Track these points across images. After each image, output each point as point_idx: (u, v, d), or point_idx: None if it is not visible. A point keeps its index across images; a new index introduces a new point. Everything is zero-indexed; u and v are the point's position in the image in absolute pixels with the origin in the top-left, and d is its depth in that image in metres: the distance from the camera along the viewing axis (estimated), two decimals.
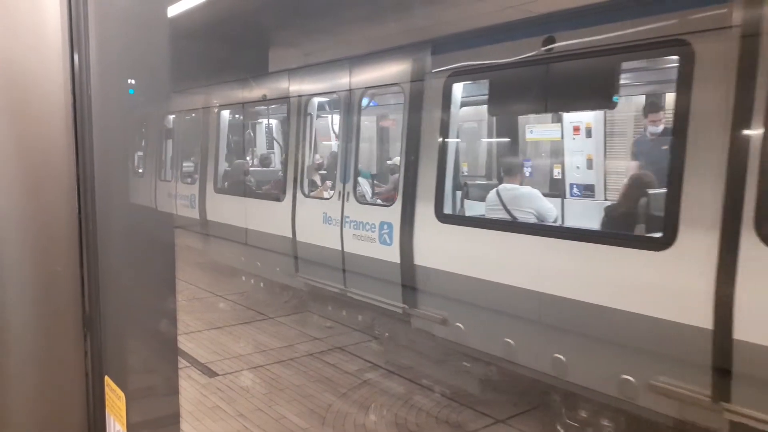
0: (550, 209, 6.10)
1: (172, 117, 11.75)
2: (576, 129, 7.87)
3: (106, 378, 1.53)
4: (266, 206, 9.23)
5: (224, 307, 9.27)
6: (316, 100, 8.60)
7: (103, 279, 1.56)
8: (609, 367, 4.76)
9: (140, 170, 9.11)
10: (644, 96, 7.53)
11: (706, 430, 4.21)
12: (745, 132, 3.99)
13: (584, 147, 7.85)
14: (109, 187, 1.58)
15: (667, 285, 4.32)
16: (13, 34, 1.50)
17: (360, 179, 7.92)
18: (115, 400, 1.50)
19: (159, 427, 1.55)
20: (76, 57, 1.57)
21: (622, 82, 5.64)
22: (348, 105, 7.83)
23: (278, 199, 8.76)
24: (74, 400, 1.55)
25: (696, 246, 4.15)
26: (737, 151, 3.97)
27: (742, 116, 3.99)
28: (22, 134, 1.51)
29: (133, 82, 1.61)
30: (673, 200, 4.27)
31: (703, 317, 4.09)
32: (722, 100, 4.07)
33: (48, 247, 1.54)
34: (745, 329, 3.98)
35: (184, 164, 11.81)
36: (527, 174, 8.41)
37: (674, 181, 4.28)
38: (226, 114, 10.69)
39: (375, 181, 8.56)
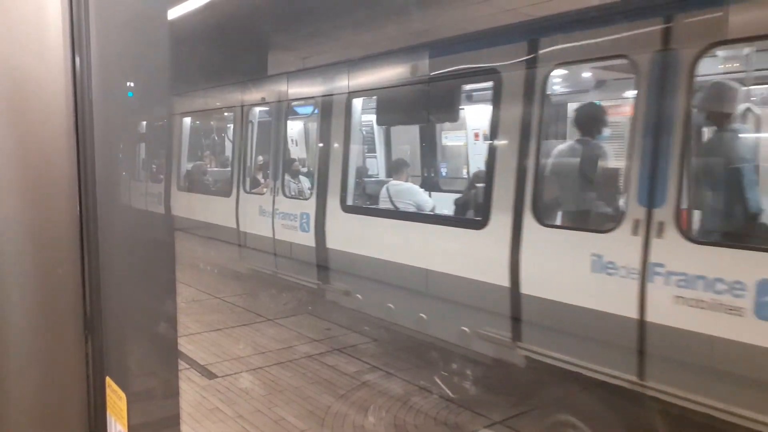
0: (426, 201, 7.69)
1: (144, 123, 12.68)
2: (476, 135, 10.10)
3: (108, 379, 1.56)
4: (218, 201, 10.79)
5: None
6: (257, 109, 10.38)
7: (104, 281, 1.57)
8: (453, 321, 6.26)
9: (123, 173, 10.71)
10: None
11: (513, 365, 5.58)
12: (527, 143, 5.49)
13: (476, 150, 9.94)
14: (110, 189, 1.59)
15: (484, 256, 5.87)
16: (14, 36, 1.49)
17: (287, 177, 9.42)
18: (116, 400, 1.53)
19: (159, 428, 1.58)
20: (77, 59, 1.57)
21: (463, 99, 7.96)
22: (278, 114, 9.56)
23: (227, 195, 10.37)
24: (75, 401, 1.56)
25: (501, 226, 5.64)
26: (522, 158, 5.52)
27: (526, 131, 5.50)
28: (23, 137, 1.51)
29: (132, 84, 1.63)
30: (488, 193, 5.87)
31: (503, 278, 5.59)
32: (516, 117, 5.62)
33: (49, 249, 1.54)
34: (527, 285, 5.43)
35: (153, 166, 12.96)
36: (443, 173, 10.91)
37: (489, 178, 5.92)
38: (188, 120, 12.57)
39: (302, 178, 10.13)
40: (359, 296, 7.51)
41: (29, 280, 1.52)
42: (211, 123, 14.82)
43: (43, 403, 1.54)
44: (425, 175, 10.25)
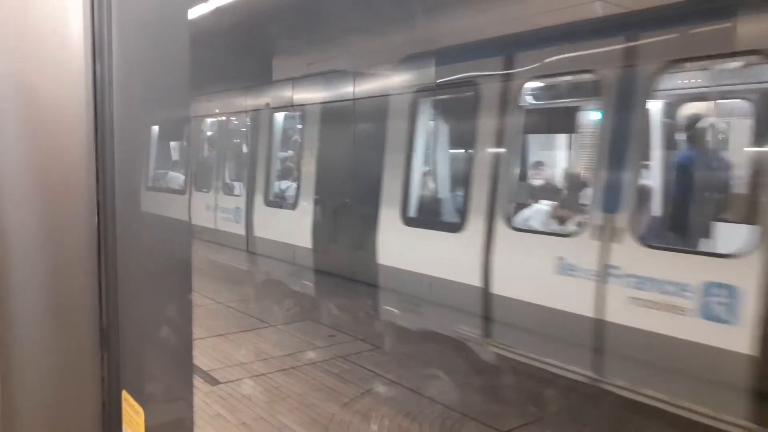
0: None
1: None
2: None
3: (124, 393, 1.54)
4: (175, 199, 11.54)
5: None
6: (208, 120, 12.39)
7: (121, 293, 1.56)
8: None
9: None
10: None
11: (485, 362, 5.91)
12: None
13: None
14: (129, 199, 1.58)
15: (459, 257, 6.23)
16: (36, 44, 1.48)
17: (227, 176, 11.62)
18: (132, 415, 1.52)
19: None
20: (97, 66, 1.55)
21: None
22: (220, 124, 12.26)
23: (182, 193, 10.83)
24: (90, 414, 1.54)
25: (476, 230, 6.02)
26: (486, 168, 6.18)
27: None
28: (43, 146, 1.49)
29: (152, 90, 1.61)
30: (466, 200, 6.34)
31: (477, 279, 5.97)
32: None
33: (67, 261, 1.52)
34: (498, 286, 5.82)
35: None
36: None
37: (467, 187, 6.39)
38: (155, 128, 13.15)
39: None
40: (278, 277, 10.14)
41: (46, 292, 1.50)
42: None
43: (57, 415, 1.52)
44: None
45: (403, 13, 7.62)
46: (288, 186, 9.98)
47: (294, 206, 9.17)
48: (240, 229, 10.48)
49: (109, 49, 1.55)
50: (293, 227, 8.98)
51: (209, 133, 12.72)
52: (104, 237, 1.55)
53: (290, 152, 10.89)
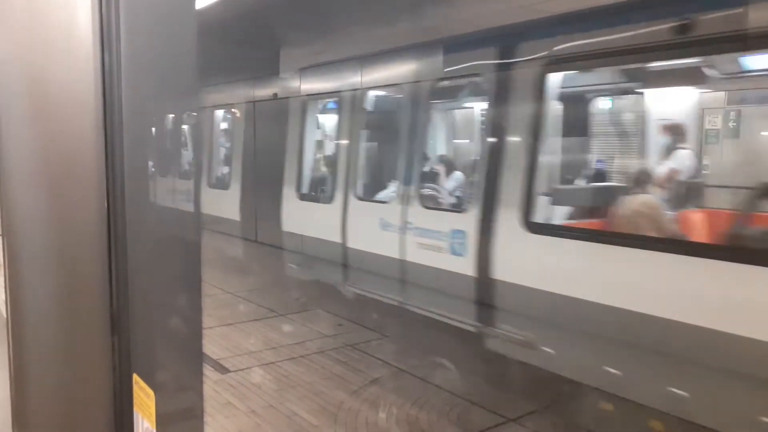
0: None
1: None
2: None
3: (135, 376, 1.56)
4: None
5: None
6: (185, 115, 13.66)
7: (131, 278, 1.58)
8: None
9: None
10: None
11: (345, 298, 8.16)
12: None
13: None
14: (138, 187, 1.60)
15: (331, 221, 8.15)
16: (45, 35, 1.50)
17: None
18: (143, 398, 1.54)
19: (185, 424, 1.59)
20: (106, 57, 1.57)
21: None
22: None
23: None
24: (101, 397, 1.56)
25: (339, 201, 8.16)
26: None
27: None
28: (52, 135, 1.51)
29: (161, 79, 1.63)
30: (334, 180, 8.52)
31: (339, 237, 8.10)
32: None
33: (77, 247, 1.54)
34: (350, 241, 7.98)
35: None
36: None
37: (335, 171, 8.62)
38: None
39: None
40: (216, 246, 11.32)
41: (57, 277, 1.52)
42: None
43: (69, 400, 1.54)
44: None
45: None
46: (225, 172, 12.08)
47: (227, 186, 11.38)
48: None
49: (117, 37, 1.57)
50: (227, 203, 10.98)
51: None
52: (114, 223, 1.57)
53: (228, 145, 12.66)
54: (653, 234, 5.29)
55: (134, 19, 1.59)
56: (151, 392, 1.52)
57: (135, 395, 1.56)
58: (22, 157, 1.52)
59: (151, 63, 1.62)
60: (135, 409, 1.56)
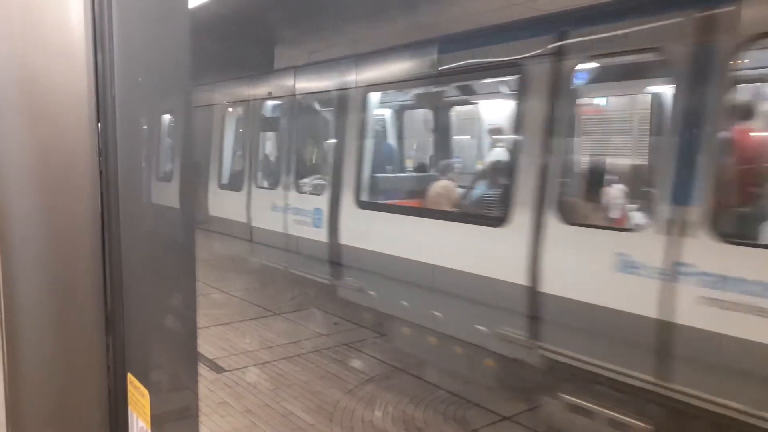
0: None
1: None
2: None
3: (129, 375, 1.56)
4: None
5: None
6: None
7: (126, 277, 1.58)
8: None
9: None
10: None
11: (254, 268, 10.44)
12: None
13: None
14: (132, 186, 1.59)
15: (241, 205, 10.33)
16: (38, 34, 1.50)
17: None
18: (138, 397, 1.54)
19: (180, 424, 1.60)
20: (99, 56, 1.57)
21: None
22: None
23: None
24: (96, 397, 1.56)
25: (247, 189, 10.31)
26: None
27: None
28: (46, 134, 1.51)
29: (153, 79, 1.63)
30: (243, 172, 10.71)
31: (245, 218, 10.38)
32: None
33: (71, 246, 1.54)
34: (254, 222, 10.40)
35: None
36: None
37: (244, 164, 10.89)
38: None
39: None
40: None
41: (51, 276, 1.52)
42: None
43: (63, 399, 1.54)
44: None
45: None
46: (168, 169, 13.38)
47: (169, 180, 12.53)
48: None
49: (110, 36, 1.56)
50: (170, 194, 12.77)
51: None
52: (108, 223, 1.57)
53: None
54: (446, 208, 7.47)
55: (127, 17, 1.58)
56: (145, 391, 1.52)
57: (130, 395, 1.56)
58: (15, 157, 1.51)
59: (144, 62, 1.61)
60: (130, 408, 1.56)
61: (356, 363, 7.42)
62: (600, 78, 6.77)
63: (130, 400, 1.56)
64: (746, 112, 5.43)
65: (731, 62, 4.43)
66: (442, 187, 7.74)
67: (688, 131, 4.61)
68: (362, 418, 5.92)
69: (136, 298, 1.58)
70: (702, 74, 4.52)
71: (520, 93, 5.95)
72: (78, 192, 1.54)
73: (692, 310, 4.42)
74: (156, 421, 1.51)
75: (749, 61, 4.98)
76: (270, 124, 10.69)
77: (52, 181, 1.51)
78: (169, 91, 1.63)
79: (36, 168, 1.50)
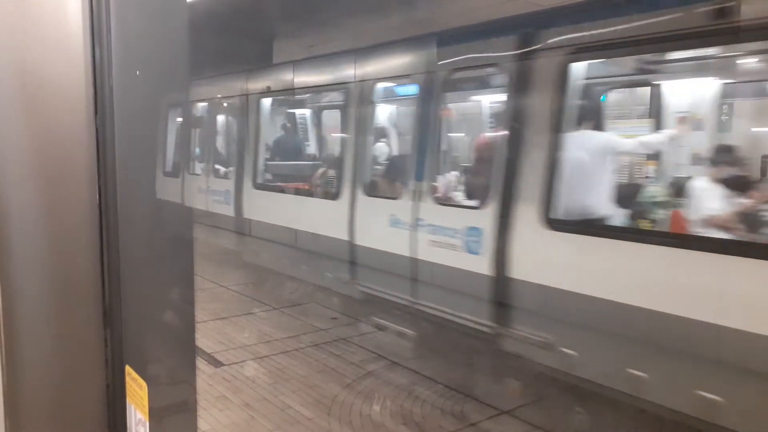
0: None
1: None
2: None
3: (127, 367, 1.57)
4: None
5: None
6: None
7: (123, 271, 1.58)
8: None
9: None
10: None
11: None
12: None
13: None
14: (129, 180, 1.60)
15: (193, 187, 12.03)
16: (35, 28, 1.50)
17: None
18: (136, 389, 1.55)
19: (178, 416, 1.61)
20: (96, 50, 1.57)
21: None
22: None
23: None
24: (94, 389, 1.57)
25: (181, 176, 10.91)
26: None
27: None
28: (43, 128, 1.51)
29: (150, 72, 1.63)
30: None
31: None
32: None
33: (69, 239, 1.54)
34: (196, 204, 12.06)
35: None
36: None
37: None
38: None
39: None
40: None
41: (49, 270, 1.52)
42: None
43: (61, 391, 1.55)
44: None
45: None
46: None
47: (177, 175, 14.72)
48: None
49: (108, 29, 1.56)
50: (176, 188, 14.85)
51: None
52: (106, 216, 1.57)
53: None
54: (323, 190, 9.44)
55: (125, 10, 1.58)
56: (143, 383, 1.53)
57: (128, 387, 1.57)
58: (12, 150, 1.51)
59: (142, 55, 1.62)
60: (128, 400, 1.57)
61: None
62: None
63: (128, 392, 1.57)
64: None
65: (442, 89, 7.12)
66: (320, 172, 10.22)
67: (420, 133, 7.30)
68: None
69: (134, 291, 1.59)
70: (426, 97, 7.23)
71: (346, 105, 8.83)
72: (76, 185, 1.54)
73: (426, 250, 6.75)
74: (154, 413, 1.52)
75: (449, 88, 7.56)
76: (197, 122, 12.98)
77: (49, 174, 1.51)
78: (168, 85, 1.63)
79: (33, 161, 1.50)
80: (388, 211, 7.39)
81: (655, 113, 7.32)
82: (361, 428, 4.91)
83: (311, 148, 13.63)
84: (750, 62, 6.60)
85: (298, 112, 13.65)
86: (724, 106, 7.31)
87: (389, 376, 5.94)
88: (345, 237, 7.94)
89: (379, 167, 8.96)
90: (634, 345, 4.73)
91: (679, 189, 5.99)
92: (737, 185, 5.34)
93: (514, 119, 5.86)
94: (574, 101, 5.49)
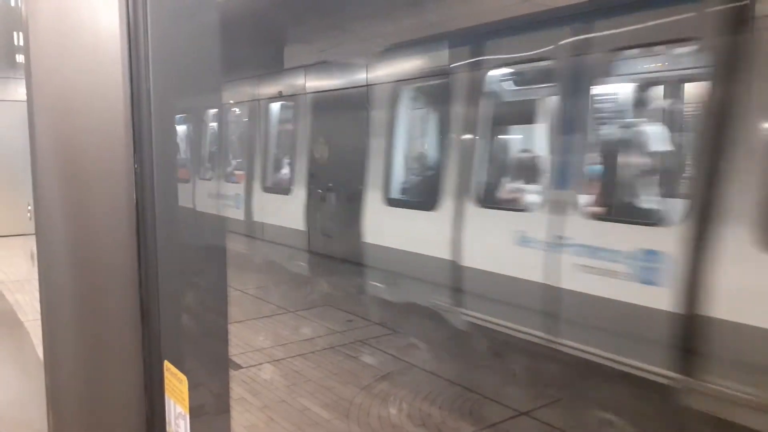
0: None
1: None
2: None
3: (166, 363, 1.62)
4: None
5: None
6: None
7: (160, 269, 1.63)
8: None
9: None
10: None
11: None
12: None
13: None
14: (166, 182, 1.64)
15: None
16: (73, 35, 1.53)
17: None
18: (176, 383, 1.60)
19: (215, 410, 1.67)
20: (133, 55, 1.61)
21: None
22: None
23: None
24: (132, 384, 1.62)
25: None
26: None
27: None
28: (83, 133, 1.56)
29: (187, 75, 1.67)
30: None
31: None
32: None
33: (107, 239, 1.59)
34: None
35: None
36: None
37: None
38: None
39: None
40: None
41: (88, 268, 1.57)
42: None
43: (101, 387, 1.60)
44: None
45: None
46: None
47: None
48: None
49: (145, 34, 1.60)
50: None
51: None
52: (143, 216, 1.62)
53: None
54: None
55: (160, 16, 1.62)
56: (183, 378, 1.58)
57: (166, 381, 1.62)
58: (52, 153, 1.55)
59: (176, 60, 1.65)
60: (167, 394, 1.63)
61: None
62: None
63: (167, 386, 1.62)
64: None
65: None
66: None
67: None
68: None
69: (170, 289, 1.64)
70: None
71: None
72: (114, 186, 1.58)
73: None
74: (193, 407, 1.58)
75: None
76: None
77: (88, 175, 1.55)
78: (202, 88, 1.67)
79: (72, 163, 1.54)
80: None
81: None
82: None
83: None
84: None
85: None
86: None
87: None
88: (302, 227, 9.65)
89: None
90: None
91: None
92: None
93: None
94: None
